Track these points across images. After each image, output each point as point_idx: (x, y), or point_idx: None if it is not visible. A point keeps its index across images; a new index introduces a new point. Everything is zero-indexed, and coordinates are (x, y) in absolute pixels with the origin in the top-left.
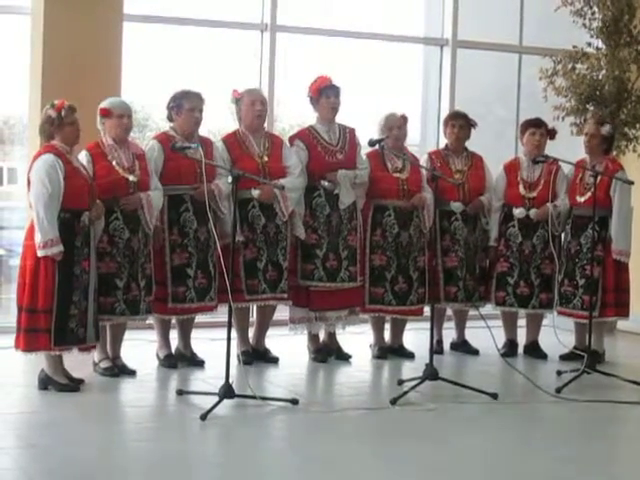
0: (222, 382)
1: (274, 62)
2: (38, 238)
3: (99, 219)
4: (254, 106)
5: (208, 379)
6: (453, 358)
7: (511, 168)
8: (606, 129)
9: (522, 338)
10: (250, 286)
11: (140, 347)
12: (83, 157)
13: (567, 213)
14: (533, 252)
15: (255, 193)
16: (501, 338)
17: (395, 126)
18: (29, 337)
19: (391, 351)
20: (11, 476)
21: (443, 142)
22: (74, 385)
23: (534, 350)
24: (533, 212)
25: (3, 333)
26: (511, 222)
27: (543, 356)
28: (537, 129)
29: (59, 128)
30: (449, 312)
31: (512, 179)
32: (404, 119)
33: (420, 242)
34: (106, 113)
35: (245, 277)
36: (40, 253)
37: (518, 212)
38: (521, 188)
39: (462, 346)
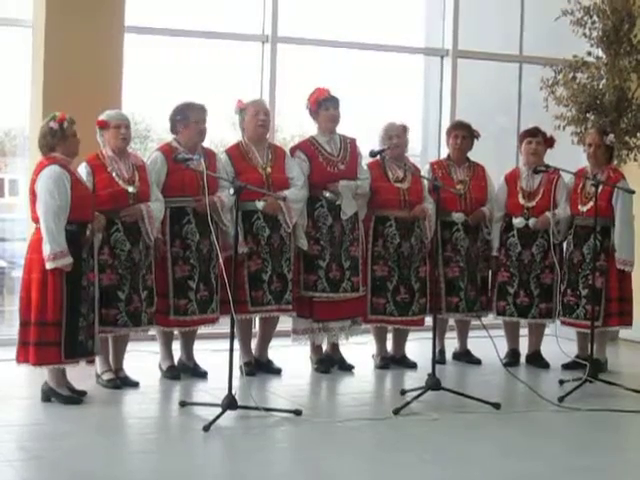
0: (225, 393)
1: (275, 73)
2: (47, 250)
3: (100, 231)
4: (257, 116)
5: (211, 390)
6: (455, 368)
7: (511, 178)
8: (610, 138)
9: (524, 348)
10: (255, 297)
11: (143, 359)
12: (83, 169)
13: (567, 222)
14: (532, 262)
15: (260, 205)
16: (503, 348)
17: (394, 135)
18: (39, 351)
19: (394, 361)
20: None
21: (444, 152)
22: (77, 397)
23: (536, 359)
24: (532, 221)
25: (6, 345)
26: (511, 232)
27: (545, 365)
28: (533, 138)
29: (62, 140)
30: (451, 322)
31: (512, 189)
32: (404, 128)
33: (422, 252)
34: (103, 124)
35: (250, 288)
36: (49, 265)
37: (517, 222)
38: (520, 198)
39: (464, 356)
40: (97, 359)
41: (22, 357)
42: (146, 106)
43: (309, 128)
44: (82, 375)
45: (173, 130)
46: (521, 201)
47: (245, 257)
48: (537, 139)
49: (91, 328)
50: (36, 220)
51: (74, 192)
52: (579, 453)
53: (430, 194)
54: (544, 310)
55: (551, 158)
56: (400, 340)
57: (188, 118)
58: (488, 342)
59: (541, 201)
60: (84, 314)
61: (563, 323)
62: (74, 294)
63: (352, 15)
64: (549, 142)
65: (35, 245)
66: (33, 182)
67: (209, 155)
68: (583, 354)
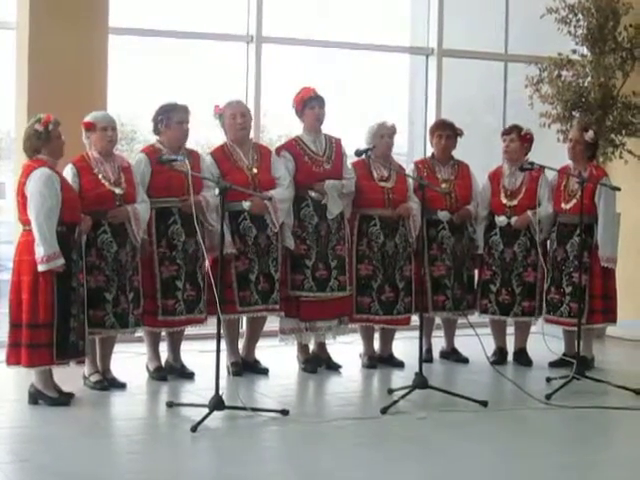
0: (212, 394)
1: (260, 73)
2: (40, 252)
3: (86, 232)
4: (235, 119)
5: (198, 391)
6: (443, 366)
7: (494, 177)
8: (589, 135)
9: (512, 346)
10: (242, 298)
11: (130, 360)
12: (69, 171)
13: (550, 219)
14: (514, 260)
15: (246, 205)
16: (490, 346)
17: (387, 134)
18: (32, 352)
19: (381, 360)
20: None
21: (430, 151)
22: (64, 399)
23: (521, 357)
24: (514, 220)
25: None
26: (493, 230)
27: (529, 363)
28: (507, 135)
29: (46, 142)
30: (438, 320)
31: (495, 187)
32: (394, 129)
33: (406, 251)
34: (90, 126)
35: (237, 289)
36: (42, 268)
37: (500, 220)
38: (502, 196)
39: (451, 354)
40: (85, 360)
41: (13, 359)
42: (132, 107)
43: (295, 128)
44: (69, 377)
45: (156, 131)
46: (503, 200)
47: (233, 257)
48: (511, 136)
49: (81, 329)
50: (24, 222)
51: (63, 194)
52: (566, 450)
53: (415, 193)
54: (527, 308)
55: (536, 156)
56: (387, 339)
57: (170, 119)
58: (475, 340)
59: (523, 199)
60: (75, 315)
61: (547, 321)
62: (65, 295)
63: (337, 14)
64: (524, 138)
65: (25, 247)
66: (22, 184)
67: (193, 156)
68: (570, 351)
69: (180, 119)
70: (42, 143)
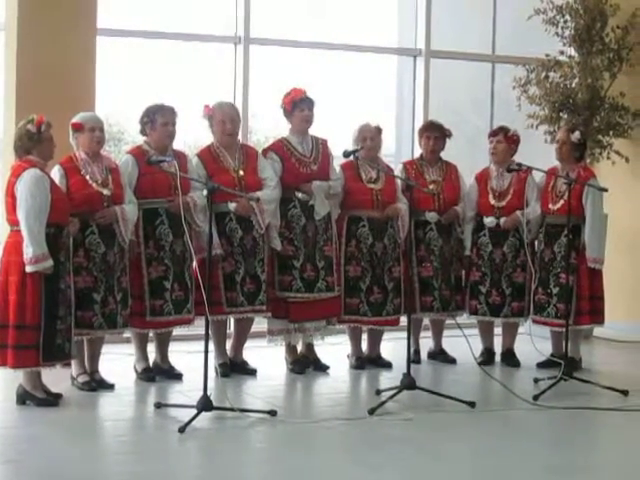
0: (200, 395)
1: (248, 74)
2: (29, 253)
3: (74, 235)
4: (224, 125)
5: (186, 392)
6: (430, 367)
7: (481, 178)
8: (576, 136)
9: (499, 346)
10: (229, 299)
11: (118, 361)
12: (56, 172)
13: (538, 220)
14: (504, 261)
15: (232, 206)
16: (478, 347)
17: (368, 136)
18: (18, 353)
19: (369, 361)
20: None
21: (418, 152)
22: (53, 400)
23: (508, 358)
24: (503, 220)
25: None
26: (482, 231)
27: (516, 364)
28: (494, 137)
29: (38, 143)
30: (426, 321)
31: (482, 189)
32: (378, 130)
33: (395, 252)
34: (78, 127)
35: (224, 289)
36: (30, 269)
37: (489, 221)
38: (491, 198)
39: (439, 355)
40: (73, 362)
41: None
42: (120, 108)
43: (283, 129)
44: (57, 378)
45: (142, 132)
46: (492, 201)
47: (220, 258)
48: (497, 138)
49: (68, 331)
50: (13, 222)
51: (53, 195)
52: (554, 451)
53: (403, 194)
54: (516, 309)
55: (523, 157)
56: (375, 340)
57: (155, 121)
58: (463, 341)
59: (511, 201)
60: (62, 317)
61: (535, 322)
62: (52, 297)
63: (325, 16)
64: (511, 140)
65: (13, 247)
66: (12, 184)
67: (180, 157)
68: (558, 352)
69: (165, 120)
70: (33, 144)
